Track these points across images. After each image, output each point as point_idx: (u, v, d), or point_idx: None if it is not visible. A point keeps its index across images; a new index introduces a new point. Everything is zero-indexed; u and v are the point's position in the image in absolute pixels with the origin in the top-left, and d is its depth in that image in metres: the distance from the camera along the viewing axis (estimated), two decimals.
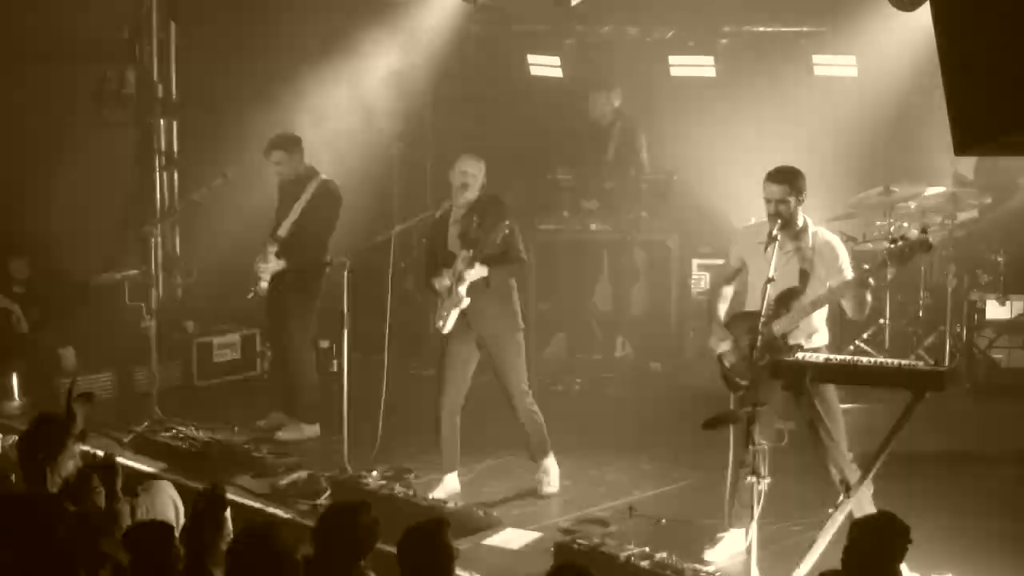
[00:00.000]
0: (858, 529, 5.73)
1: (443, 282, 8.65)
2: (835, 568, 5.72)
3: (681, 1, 12.28)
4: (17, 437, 7.11)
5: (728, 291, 7.87)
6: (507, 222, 8.47)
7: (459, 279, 8.56)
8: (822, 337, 7.60)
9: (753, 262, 7.62)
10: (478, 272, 8.50)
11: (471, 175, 8.66)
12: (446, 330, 8.68)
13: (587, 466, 9.32)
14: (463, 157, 8.76)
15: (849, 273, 7.44)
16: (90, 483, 6.42)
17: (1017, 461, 8.98)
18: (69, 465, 6.64)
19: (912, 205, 10.39)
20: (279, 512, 8.42)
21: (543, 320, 12.03)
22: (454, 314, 8.61)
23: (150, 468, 9.19)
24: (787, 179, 7.47)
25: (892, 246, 7.14)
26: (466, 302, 8.54)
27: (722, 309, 7.80)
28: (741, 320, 7.62)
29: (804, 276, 7.46)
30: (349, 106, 11.94)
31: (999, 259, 10.17)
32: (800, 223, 7.55)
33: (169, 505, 6.70)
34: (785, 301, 7.41)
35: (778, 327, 7.37)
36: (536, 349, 11.49)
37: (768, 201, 7.46)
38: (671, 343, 11.99)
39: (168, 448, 9.62)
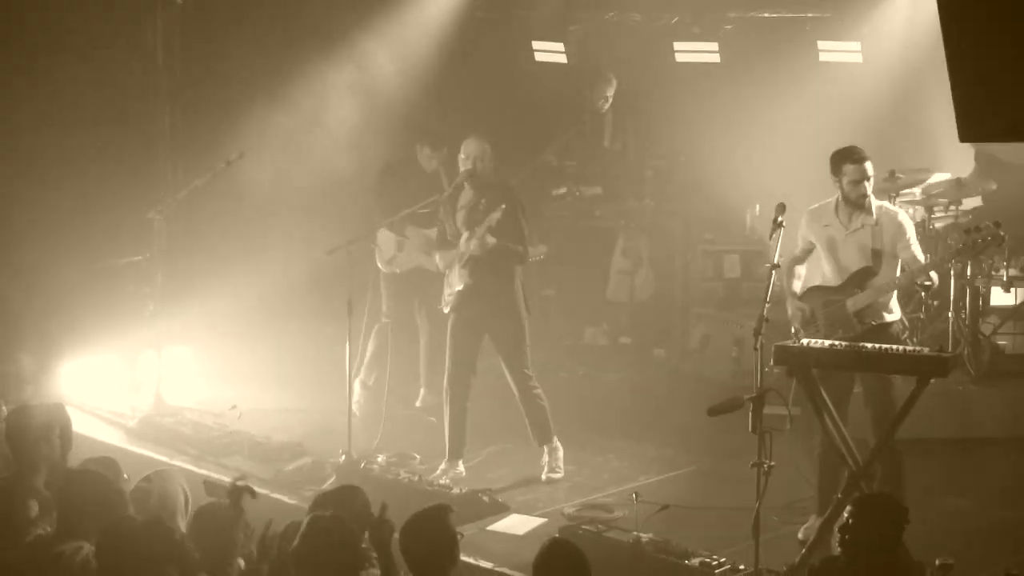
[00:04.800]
0: (856, 508, 5.75)
1: (447, 263, 8.72)
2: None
3: None
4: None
5: (800, 270, 7.95)
6: (503, 205, 8.49)
7: (461, 260, 8.59)
8: (895, 314, 7.71)
9: (820, 242, 7.76)
10: (484, 244, 8.51)
11: (474, 156, 8.71)
12: (447, 310, 8.73)
13: (591, 452, 9.33)
14: (467, 139, 8.80)
15: (916, 248, 7.60)
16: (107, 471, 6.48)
17: (1022, 447, 8.98)
18: (59, 449, 6.71)
19: (917, 191, 10.38)
20: (283, 498, 8.44)
21: (547, 306, 12.03)
22: (456, 297, 8.65)
23: (157, 455, 9.23)
24: (861, 158, 7.63)
25: (966, 237, 7.32)
26: (467, 282, 8.58)
27: (796, 285, 7.88)
28: (816, 293, 7.75)
29: (876, 255, 7.59)
30: (353, 92, 11.93)
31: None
32: (867, 202, 7.68)
33: (179, 492, 6.70)
34: (859, 280, 7.57)
35: (852, 304, 7.52)
36: (540, 335, 11.49)
37: (858, 182, 7.58)
38: (675, 330, 11.98)
39: (174, 434, 9.65)
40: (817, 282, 7.82)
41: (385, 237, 10.12)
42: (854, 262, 7.62)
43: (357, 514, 5.94)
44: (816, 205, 7.85)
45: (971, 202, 10.50)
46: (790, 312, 7.78)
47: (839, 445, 7.27)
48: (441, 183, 10.07)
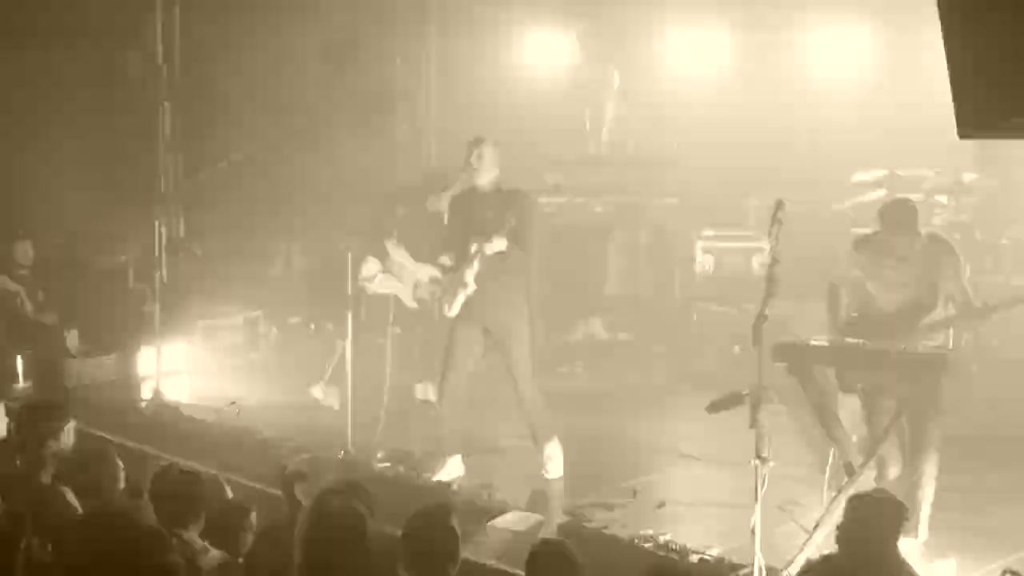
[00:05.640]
0: (853, 506, 5.75)
1: (451, 266, 8.71)
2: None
3: None
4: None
5: (845, 301, 7.74)
6: (514, 211, 8.48)
7: (468, 264, 8.57)
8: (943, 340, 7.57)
9: (869, 271, 7.57)
10: (495, 247, 8.50)
11: (478, 156, 8.66)
12: (451, 313, 8.70)
13: (590, 449, 9.32)
14: (479, 142, 8.74)
15: (964, 281, 7.44)
16: (97, 467, 6.47)
17: (1020, 444, 8.97)
18: (66, 445, 6.69)
19: (917, 188, 10.38)
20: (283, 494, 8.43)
21: (546, 302, 12.02)
22: (460, 299, 8.63)
23: (156, 451, 9.22)
24: (901, 226, 7.40)
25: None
26: (472, 288, 8.56)
27: (841, 316, 7.68)
28: (864, 323, 7.54)
29: (932, 290, 7.41)
30: (354, 88, 11.93)
31: (1003, 243, 10.16)
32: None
33: None
34: (912, 317, 7.39)
35: (900, 341, 7.30)
36: (539, 332, 11.48)
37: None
38: (674, 324, 11.98)
39: (173, 431, 9.66)
40: (865, 310, 7.63)
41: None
42: (904, 296, 7.44)
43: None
44: (862, 234, 7.74)
45: (970, 200, 10.50)
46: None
47: (839, 443, 7.27)
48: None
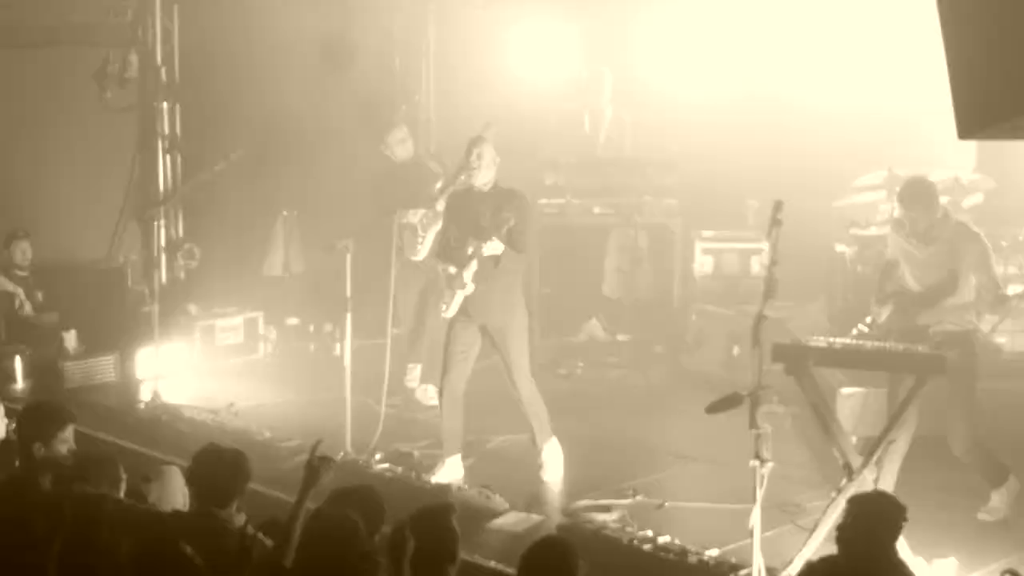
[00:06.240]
0: (853, 507, 5.75)
1: (449, 267, 8.68)
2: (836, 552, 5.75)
3: None
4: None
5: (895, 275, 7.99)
6: (512, 213, 8.47)
7: (466, 265, 8.57)
8: (970, 325, 7.75)
9: (901, 251, 7.86)
10: (492, 248, 8.50)
11: (477, 155, 8.67)
12: (449, 314, 8.70)
13: (589, 450, 9.32)
14: (476, 140, 8.75)
15: (993, 273, 7.67)
16: (105, 470, 6.46)
17: (1020, 445, 8.97)
18: (62, 449, 6.65)
19: None
20: (283, 496, 8.42)
21: (545, 303, 12.02)
22: (458, 299, 8.63)
23: (155, 453, 9.22)
24: (914, 201, 7.64)
25: None
26: (470, 288, 8.56)
27: (886, 289, 7.91)
28: (899, 299, 7.79)
29: (953, 276, 7.64)
30: (351, 90, 11.92)
31: (1003, 243, 10.14)
32: (941, 217, 7.71)
33: (179, 492, 6.70)
34: (933, 298, 7.63)
35: (922, 319, 7.60)
36: (538, 333, 11.48)
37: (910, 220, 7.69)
38: (674, 327, 11.98)
39: (172, 432, 9.66)
40: (900, 288, 7.87)
41: (409, 227, 10.11)
42: (929, 279, 7.69)
43: (371, 513, 5.92)
44: (897, 216, 7.97)
45: (971, 200, 10.49)
46: (873, 311, 7.83)
47: (838, 443, 7.27)
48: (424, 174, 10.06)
